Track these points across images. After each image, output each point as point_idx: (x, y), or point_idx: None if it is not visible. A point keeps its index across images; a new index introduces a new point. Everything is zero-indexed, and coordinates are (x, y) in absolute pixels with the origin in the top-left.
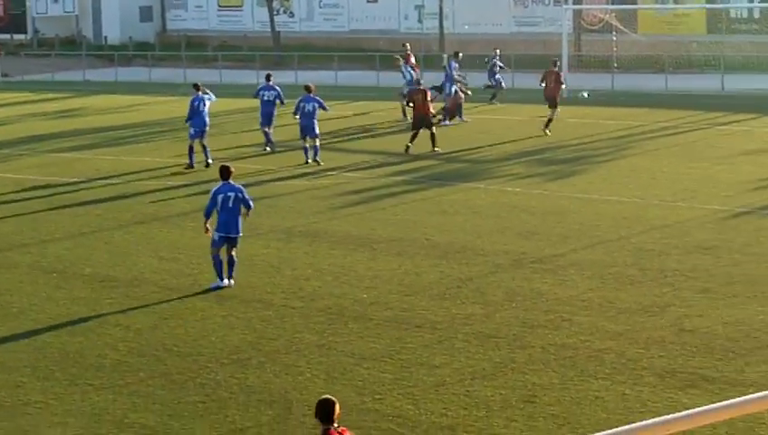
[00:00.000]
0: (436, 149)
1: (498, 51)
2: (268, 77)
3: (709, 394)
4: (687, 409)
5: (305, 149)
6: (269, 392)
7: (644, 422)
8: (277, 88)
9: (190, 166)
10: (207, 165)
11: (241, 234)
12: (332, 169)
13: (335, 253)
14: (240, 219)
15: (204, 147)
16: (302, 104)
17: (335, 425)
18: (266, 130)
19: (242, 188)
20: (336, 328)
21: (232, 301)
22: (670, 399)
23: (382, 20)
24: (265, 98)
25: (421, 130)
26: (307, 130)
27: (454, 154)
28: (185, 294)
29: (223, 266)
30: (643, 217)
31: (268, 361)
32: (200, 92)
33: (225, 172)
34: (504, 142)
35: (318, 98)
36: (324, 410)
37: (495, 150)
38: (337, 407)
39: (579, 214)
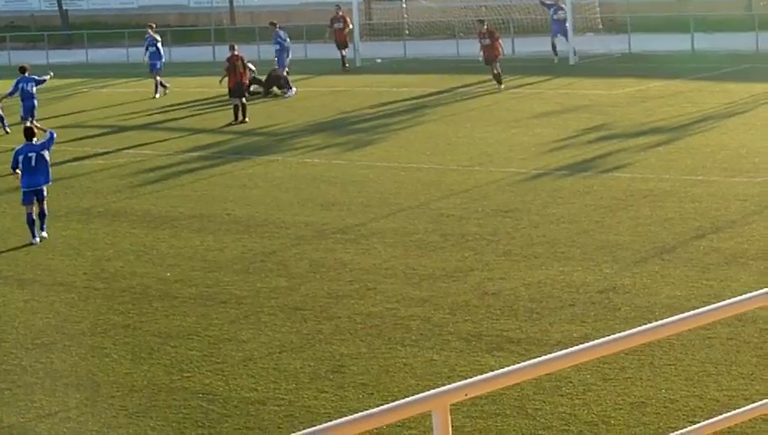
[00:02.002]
0: (246, 120)
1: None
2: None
3: (515, 355)
4: (494, 371)
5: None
6: (76, 375)
7: (450, 386)
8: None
9: None
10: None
11: (49, 183)
12: (128, 148)
13: (136, 232)
14: (47, 171)
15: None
16: (20, 85)
17: None
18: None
19: (43, 144)
20: (141, 308)
21: (33, 285)
22: (477, 362)
23: None
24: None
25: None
26: (30, 110)
27: (250, 128)
28: None
29: (35, 223)
30: (442, 183)
31: (73, 344)
32: None
33: (28, 133)
34: (299, 114)
35: (34, 77)
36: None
37: (292, 123)
38: None
39: (378, 182)
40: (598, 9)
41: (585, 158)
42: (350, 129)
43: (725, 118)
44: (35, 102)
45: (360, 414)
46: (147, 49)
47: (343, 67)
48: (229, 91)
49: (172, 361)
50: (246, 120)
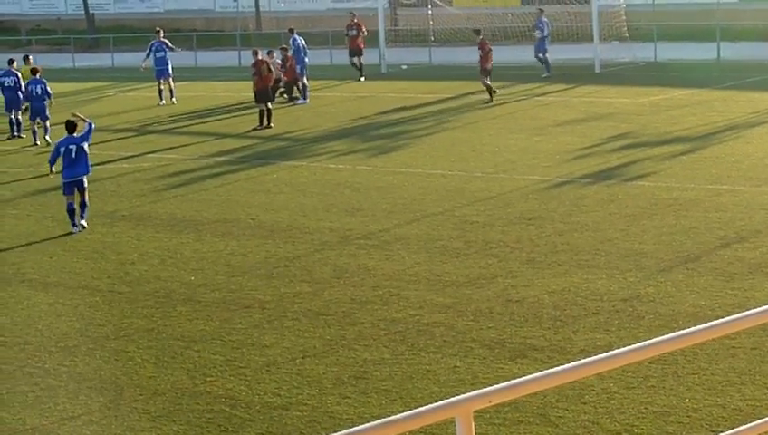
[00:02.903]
0: (270, 125)
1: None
2: (11, 61)
3: (538, 363)
4: (517, 378)
5: (35, 132)
6: (99, 379)
7: (474, 393)
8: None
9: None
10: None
11: (89, 173)
12: (152, 152)
13: (160, 236)
14: (86, 163)
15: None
16: (29, 87)
17: None
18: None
19: (82, 136)
20: (164, 312)
21: (57, 288)
22: (500, 369)
23: (198, 0)
24: (6, 84)
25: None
26: (38, 112)
27: (275, 133)
28: (8, 283)
29: (76, 213)
30: (466, 190)
31: (97, 347)
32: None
33: (70, 126)
34: (324, 120)
35: (44, 80)
36: None
37: (316, 129)
38: None
39: (403, 189)
40: (624, 17)
41: (609, 166)
42: (374, 135)
43: (751, 127)
44: (44, 105)
45: (384, 420)
46: (153, 54)
47: (360, 76)
48: (255, 95)
49: (195, 365)
50: (271, 125)
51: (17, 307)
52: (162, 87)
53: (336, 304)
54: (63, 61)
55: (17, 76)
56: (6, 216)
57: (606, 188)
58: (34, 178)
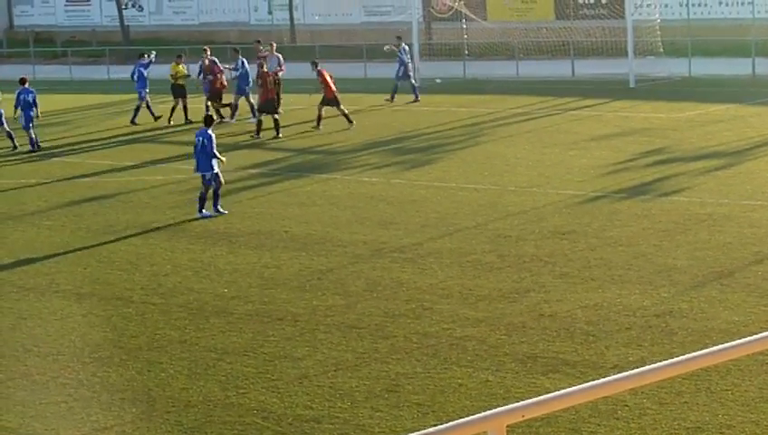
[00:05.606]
0: (279, 135)
1: None
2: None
3: (571, 378)
4: (550, 393)
5: (32, 139)
6: (132, 390)
7: (507, 407)
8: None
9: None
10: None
11: (209, 172)
12: (187, 164)
13: (194, 248)
14: (208, 160)
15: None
16: (21, 96)
17: None
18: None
19: (210, 135)
20: (197, 323)
21: (91, 299)
22: (533, 384)
23: (232, 12)
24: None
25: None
26: (31, 119)
27: (308, 145)
28: (42, 294)
29: (205, 201)
30: (499, 204)
31: (130, 358)
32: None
33: (207, 120)
34: (357, 133)
35: (32, 90)
36: None
37: (350, 142)
38: None
39: (436, 202)
40: (658, 32)
41: (643, 181)
42: (408, 148)
43: None
44: (32, 112)
45: (416, 434)
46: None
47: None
48: (259, 107)
49: (228, 377)
50: (280, 135)
51: (51, 318)
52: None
53: (369, 317)
54: (99, 72)
55: (34, 93)
56: (41, 226)
57: (640, 203)
58: (68, 188)
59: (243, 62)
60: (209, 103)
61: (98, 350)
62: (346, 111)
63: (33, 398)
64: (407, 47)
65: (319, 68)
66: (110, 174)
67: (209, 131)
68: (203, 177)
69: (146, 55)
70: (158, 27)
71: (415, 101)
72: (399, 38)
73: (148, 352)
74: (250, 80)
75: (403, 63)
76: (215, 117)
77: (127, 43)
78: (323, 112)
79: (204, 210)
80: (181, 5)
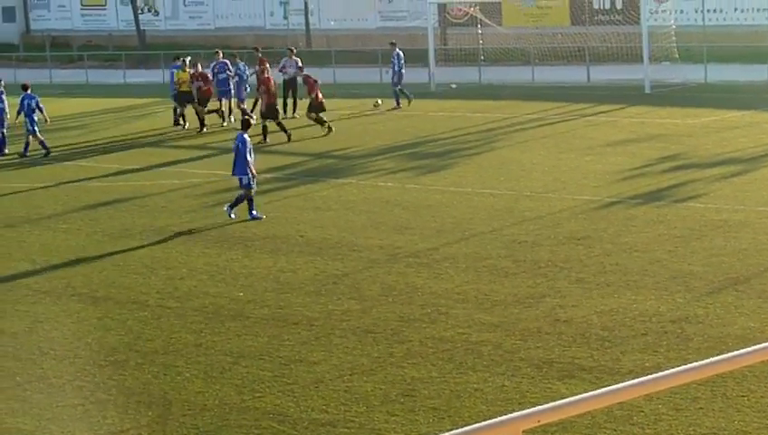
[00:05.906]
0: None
1: None
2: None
3: (586, 383)
4: (565, 398)
5: (42, 142)
6: (148, 393)
7: (522, 412)
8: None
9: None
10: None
11: (245, 175)
12: (202, 168)
13: (209, 251)
14: (239, 163)
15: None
16: (25, 101)
17: None
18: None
19: (244, 139)
20: (213, 327)
21: (107, 302)
22: (548, 389)
23: (248, 17)
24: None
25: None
26: (34, 123)
27: (323, 150)
28: (59, 297)
29: (238, 203)
30: (515, 209)
31: (146, 362)
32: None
33: (244, 124)
34: (373, 137)
35: (35, 95)
36: None
37: (365, 147)
38: None
39: (452, 207)
40: (674, 38)
41: (659, 187)
42: (423, 153)
43: None
44: (36, 117)
45: None
46: (216, 76)
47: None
48: (261, 112)
49: (243, 380)
50: (267, 141)
51: (67, 321)
52: (224, 108)
53: (384, 321)
54: (114, 77)
55: (37, 98)
56: (57, 230)
57: (655, 208)
58: (83, 191)
59: (241, 67)
60: (195, 109)
61: (114, 353)
62: (325, 119)
63: (50, 401)
64: (401, 53)
65: (305, 73)
66: (126, 178)
67: (245, 135)
68: (240, 180)
69: (181, 59)
70: (173, 32)
71: (396, 107)
72: (393, 44)
73: (164, 355)
74: (247, 85)
75: (394, 69)
76: (251, 121)
77: (143, 48)
78: (316, 116)
79: (254, 211)
80: (197, 10)
